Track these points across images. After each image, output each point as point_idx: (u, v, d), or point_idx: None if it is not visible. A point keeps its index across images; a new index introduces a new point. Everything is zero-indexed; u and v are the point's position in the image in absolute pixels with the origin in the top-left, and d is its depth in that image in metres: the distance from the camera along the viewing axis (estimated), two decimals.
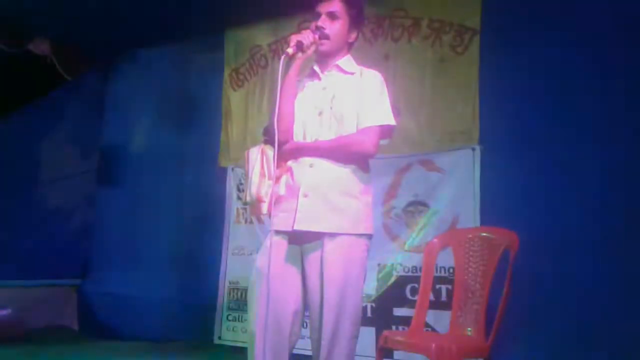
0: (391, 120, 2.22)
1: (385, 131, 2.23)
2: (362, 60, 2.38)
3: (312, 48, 2.19)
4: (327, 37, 2.21)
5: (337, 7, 2.24)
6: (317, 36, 2.18)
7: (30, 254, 4.90)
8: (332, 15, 2.23)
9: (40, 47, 5.05)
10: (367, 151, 2.20)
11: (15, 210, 4.94)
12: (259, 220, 4.34)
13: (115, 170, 5.33)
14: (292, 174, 2.20)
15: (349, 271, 2.12)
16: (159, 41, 5.03)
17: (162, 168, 5.01)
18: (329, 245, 2.12)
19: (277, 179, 2.17)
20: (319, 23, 2.22)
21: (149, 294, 4.67)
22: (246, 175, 2.23)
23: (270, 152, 2.14)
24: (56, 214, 5.23)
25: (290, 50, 2.13)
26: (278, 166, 2.13)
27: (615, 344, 3.01)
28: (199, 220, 4.68)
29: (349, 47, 2.34)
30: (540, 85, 3.49)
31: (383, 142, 2.24)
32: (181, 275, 4.59)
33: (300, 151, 2.20)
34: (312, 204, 2.14)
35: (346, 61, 2.31)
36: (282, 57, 2.11)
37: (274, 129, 2.08)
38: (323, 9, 2.25)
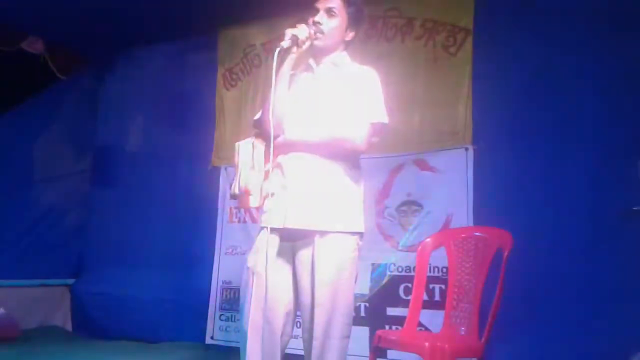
0: (384, 118, 2.22)
1: (377, 129, 2.23)
2: (355, 60, 2.38)
3: (307, 43, 2.18)
4: (322, 32, 2.21)
5: (335, 3, 2.25)
6: (312, 31, 2.19)
7: (23, 253, 4.88)
8: (330, 12, 2.24)
9: (34, 46, 5.02)
10: (357, 147, 2.18)
11: (8, 210, 4.90)
12: (248, 212, 4.32)
13: (109, 170, 5.31)
14: (282, 170, 2.20)
15: (341, 270, 2.12)
16: (153, 40, 5.02)
17: (155, 167, 5.00)
18: (320, 243, 2.11)
19: (267, 173, 2.16)
20: (317, 18, 2.23)
21: (142, 293, 4.65)
22: (235, 167, 2.22)
23: (260, 145, 2.13)
24: (49, 213, 5.19)
25: (285, 44, 2.12)
26: (269, 160, 2.12)
27: (608, 343, 3.01)
28: (192, 219, 4.67)
29: (345, 45, 2.34)
30: (533, 86, 3.50)
31: (375, 139, 2.23)
32: (174, 274, 4.57)
33: (291, 146, 2.19)
34: (302, 201, 2.13)
35: (342, 57, 2.32)
36: (277, 50, 2.09)
37: (268, 123, 2.07)
38: (322, 5, 2.26)
